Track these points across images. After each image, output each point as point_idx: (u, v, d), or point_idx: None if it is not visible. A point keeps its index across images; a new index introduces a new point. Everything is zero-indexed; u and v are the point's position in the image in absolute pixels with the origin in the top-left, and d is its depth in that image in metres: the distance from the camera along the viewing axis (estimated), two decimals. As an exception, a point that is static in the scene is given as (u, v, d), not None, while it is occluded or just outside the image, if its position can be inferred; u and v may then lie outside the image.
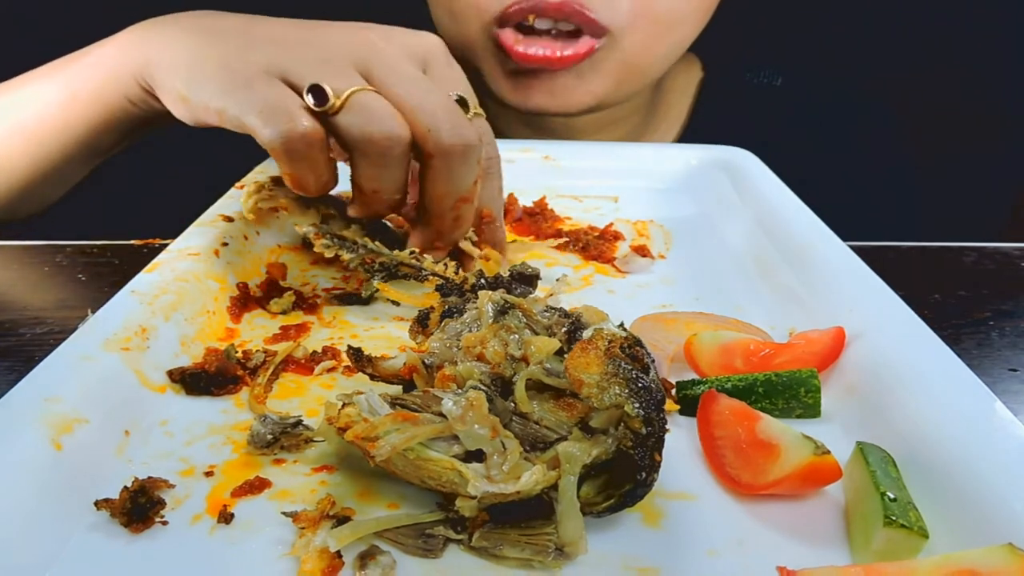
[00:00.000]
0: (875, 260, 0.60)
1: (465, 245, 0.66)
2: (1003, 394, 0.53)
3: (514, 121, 1.05)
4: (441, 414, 0.38)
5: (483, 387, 0.39)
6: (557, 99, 0.93)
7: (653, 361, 0.40)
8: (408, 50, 0.61)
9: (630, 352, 0.39)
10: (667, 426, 0.39)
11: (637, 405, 0.37)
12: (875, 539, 0.37)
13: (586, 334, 0.40)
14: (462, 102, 0.61)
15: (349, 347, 0.48)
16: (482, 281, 0.57)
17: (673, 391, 0.50)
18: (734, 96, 1.09)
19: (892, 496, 0.38)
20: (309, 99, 0.55)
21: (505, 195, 0.80)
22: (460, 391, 0.39)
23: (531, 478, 0.36)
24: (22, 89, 0.77)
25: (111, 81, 0.71)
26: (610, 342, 0.39)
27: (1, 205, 0.80)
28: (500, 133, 1.06)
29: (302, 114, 0.55)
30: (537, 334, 0.42)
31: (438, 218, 0.62)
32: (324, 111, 0.55)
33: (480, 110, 0.64)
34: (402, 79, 0.58)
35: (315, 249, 0.65)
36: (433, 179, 0.59)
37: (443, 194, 0.60)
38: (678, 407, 0.49)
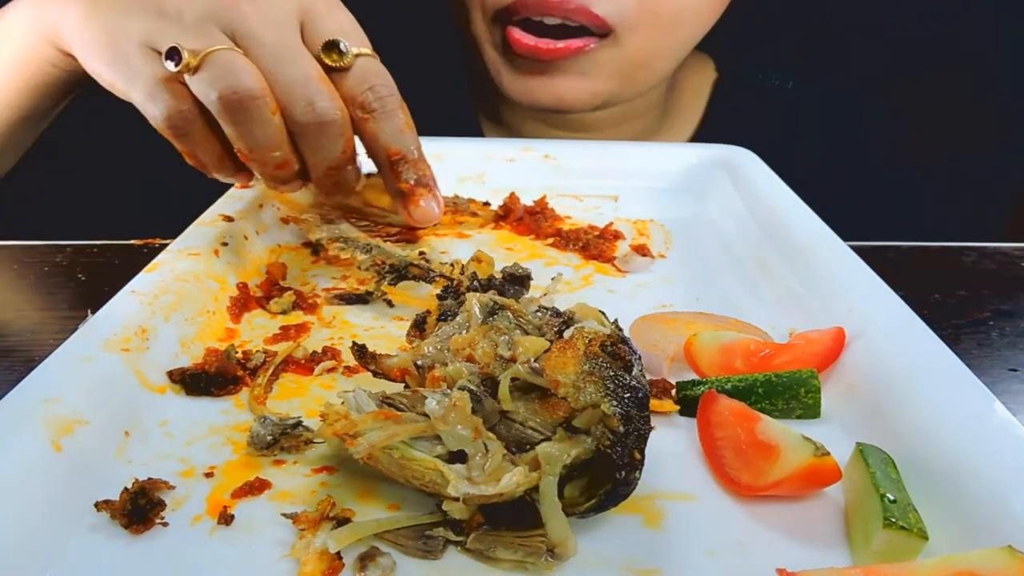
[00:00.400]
0: (875, 260, 0.60)
1: (354, 201, 0.69)
2: (1003, 394, 0.53)
3: (528, 117, 1.05)
4: (425, 414, 0.38)
5: (472, 387, 0.39)
6: (560, 97, 0.93)
7: (639, 358, 0.40)
8: (280, 10, 0.58)
9: (612, 350, 0.39)
10: (651, 423, 0.39)
11: (614, 403, 0.37)
12: (875, 541, 0.37)
13: (567, 333, 0.40)
14: (332, 46, 0.58)
15: (354, 343, 0.48)
16: (474, 283, 0.57)
17: (673, 392, 0.50)
18: (747, 97, 1.09)
19: (892, 498, 0.38)
20: (169, 64, 0.54)
21: (506, 194, 0.81)
22: (447, 391, 0.39)
23: (512, 480, 0.36)
24: None
25: (30, 50, 0.70)
26: (590, 341, 0.39)
27: None
28: (513, 130, 1.07)
29: (180, 91, 0.55)
30: (528, 334, 0.42)
31: (318, 183, 0.62)
32: (180, 71, 0.54)
33: (365, 49, 0.60)
34: (263, 47, 0.56)
35: (330, 253, 0.66)
36: (300, 149, 0.59)
37: (312, 164, 0.60)
38: (678, 408, 0.49)
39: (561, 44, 0.88)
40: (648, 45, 0.90)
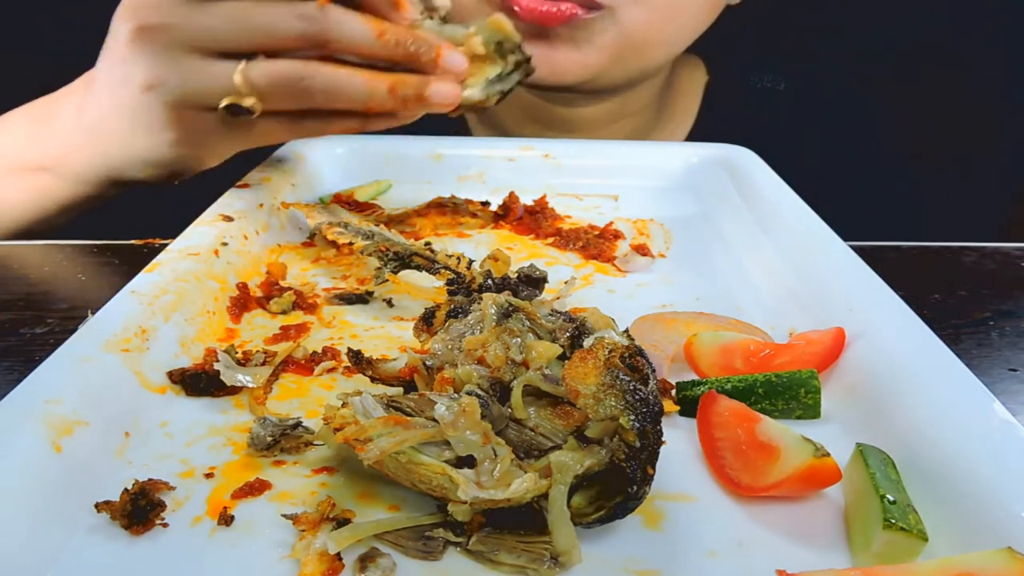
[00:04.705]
0: (875, 260, 0.60)
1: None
2: (1003, 394, 0.53)
3: (519, 116, 1.05)
4: (434, 419, 0.38)
5: (480, 392, 0.39)
6: (555, 67, 0.91)
7: (654, 371, 0.40)
8: None
9: (630, 362, 0.39)
10: (663, 438, 0.39)
11: (632, 418, 0.37)
12: (875, 542, 0.37)
13: (587, 343, 0.40)
14: None
15: (349, 349, 0.48)
16: (489, 282, 0.57)
17: (673, 392, 0.50)
18: (738, 99, 1.09)
19: (892, 499, 0.38)
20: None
21: (506, 193, 0.81)
22: (455, 395, 0.39)
23: (522, 486, 0.36)
24: None
25: (98, 194, 0.77)
26: (610, 352, 0.39)
27: None
28: (505, 130, 1.07)
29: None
30: (540, 338, 0.42)
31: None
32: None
33: None
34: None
35: (328, 237, 0.66)
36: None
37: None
38: (678, 408, 0.49)
39: (565, 7, 0.86)
40: (643, 23, 0.89)
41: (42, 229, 0.81)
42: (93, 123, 0.71)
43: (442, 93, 0.63)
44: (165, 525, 0.40)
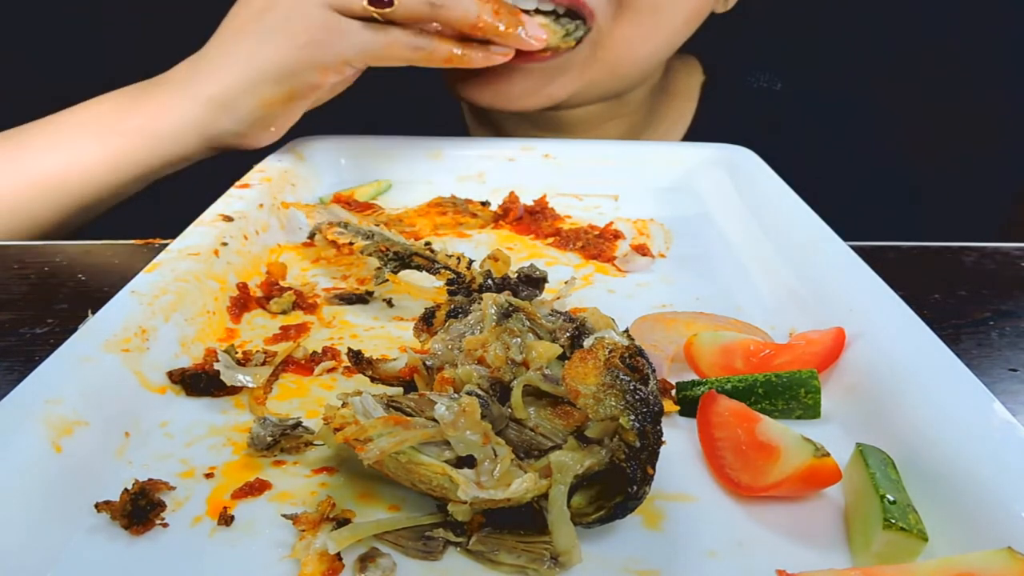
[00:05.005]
0: (875, 260, 0.60)
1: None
2: (1003, 394, 0.53)
3: (512, 116, 1.05)
4: (434, 419, 0.38)
5: (480, 392, 0.39)
6: (508, 96, 0.90)
7: (654, 371, 0.40)
8: None
9: (630, 362, 0.39)
10: (663, 438, 0.39)
11: (632, 418, 0.37)
12: (875, 542, 0.37)
13: (587, 343, 0.40)
14: None
15: (349, 349, 0.48)
16: (489, 282, 0.57)
17: (673, 392, 0.50)
18: (736, 100, 1.09)
19: (892, 499, 0.38)
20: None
21: (506, 193, 0.81)
22: (455, 395, 0.39)
23: (522, 486, 0.36)
24: (64, 142, 0.81)
25: (179, 153, 0.81)
26: (610, 352, 0.39)
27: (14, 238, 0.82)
28: (499, 130, 1.07)
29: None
30: (540, 338, 0.42)
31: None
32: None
33: None
34: None
35: (328, 237, 0.66)
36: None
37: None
38: (678, 408, 0.49)
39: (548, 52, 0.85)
40: (626, 42, 0.88)
41: (105, 201, 0.83)
42: (220, 50, 0.80)
43: (534, 26, 0.80)
44: (165, 525, 0.40)
